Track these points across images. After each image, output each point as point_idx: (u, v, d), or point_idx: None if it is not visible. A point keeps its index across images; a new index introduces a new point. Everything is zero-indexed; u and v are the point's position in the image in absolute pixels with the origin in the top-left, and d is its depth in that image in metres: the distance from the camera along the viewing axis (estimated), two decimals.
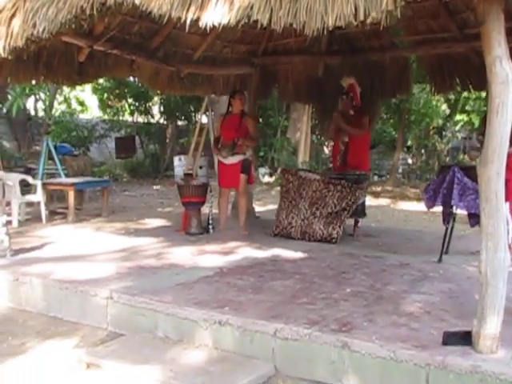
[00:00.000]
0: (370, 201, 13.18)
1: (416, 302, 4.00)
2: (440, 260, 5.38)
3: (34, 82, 8.07)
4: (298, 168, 7.66)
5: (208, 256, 5.59)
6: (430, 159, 21.35)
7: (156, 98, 21.28)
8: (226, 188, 7.16)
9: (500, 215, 3.00)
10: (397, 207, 12.53)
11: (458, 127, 18.61)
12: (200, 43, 7.45)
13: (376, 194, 14.80)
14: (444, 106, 16.52)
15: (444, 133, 21.66)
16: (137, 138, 22.40)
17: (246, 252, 5.81)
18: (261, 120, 17.04)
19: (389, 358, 3.07)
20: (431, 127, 17.85)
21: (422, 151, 21.61)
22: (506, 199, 5.57)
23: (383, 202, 13.30)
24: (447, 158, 21.68)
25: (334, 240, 6.35)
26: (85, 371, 3.46)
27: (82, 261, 5.29)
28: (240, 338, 3.54)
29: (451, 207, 5.33)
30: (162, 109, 21.43)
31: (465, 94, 14.35)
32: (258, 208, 10.95)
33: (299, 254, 5.69)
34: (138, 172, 20.09)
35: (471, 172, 5.31)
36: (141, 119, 22.81)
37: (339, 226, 6.39)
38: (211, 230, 7.00)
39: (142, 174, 19.88)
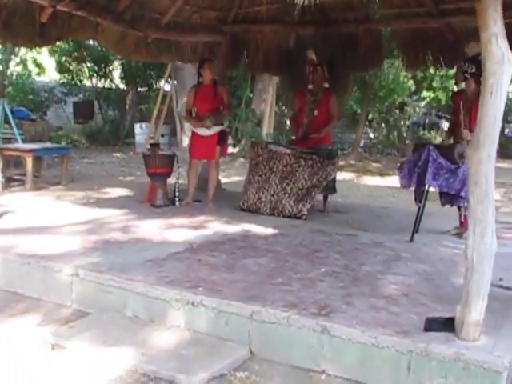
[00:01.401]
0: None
1: (392, 284, 3.93)
2: (412, 239, 5.34)
3: None
4: (267, 141, 7.44)
5: (176, 230, 5.41)
6: (391, 134, 21.48)
7: (116, 63, 20.69)
8: (198, 160, 6.95)
9: (489, 200, 2.91)
10: (361, 182, 12.55)
11: (423, 103, 18.63)
12: (169, 8, 7.14)
13: (339, 168, 14.70)
14: (410, 82, 16.49)
15: (405, 108, 21.77)
16: (96, 103, 21.85)
17: (216, 227, 5.66)
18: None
19: (370, 344, 2.98)
20: (397, 103, 17.85)
21: (383, 126, 21.72)
22: None
23: (347, 176, 13.28)
24: (408, 134, 21.93)
25: (303, 216, 6.24)
26: (50, 352, 3.27)
27: (44, 233, 5.04)
28: (214, 320, 3.40)
29: (424, 186, 5.27)
30: (122, 74, 20.85)
31: (432, 70, 14.39)
32: (222, 180, 10.79)
33: (270, 230, 5.56)
34: (97, 138, 19.55)
35: (446, 151, 5.28)
36: (100, 84, 22.21)
37: (309, 203, 6.28)
38: (177, 203, 6.80)
39: (101, 141, 19.35)
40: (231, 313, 3.35)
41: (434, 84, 16.09)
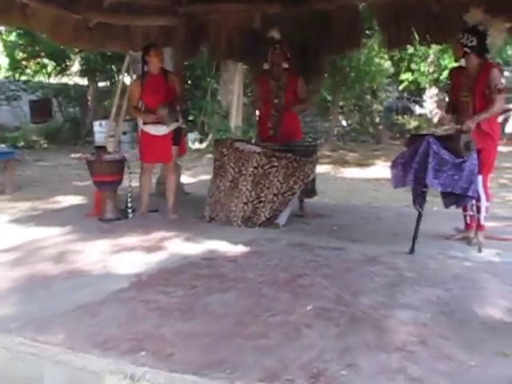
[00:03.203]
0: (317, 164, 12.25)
1: (403, 325, 2.97)
2: (412, 251, 4.41)
3: None
4: (233, 138, 6.42)
5: (124, 255, 4.38)
6: (364, 120, 20.68)
7: (74, 57, 19.49)
8: (151, 163, 5.93)
9: None
10: (338, 175, 11.65)
11: (401, 87, 17.76)
12: None
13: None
14: (387, 64, 15.57)
15: (378, 93, 20.98)
16: (55, 100, 20.65)
17: (174, 247, 4.65)
18: (189, 81, 15.73)
19: None
20: (372, 87, 16.96)
21: (355, 112, 20.91)
22: (480, 171, 4.70)
23: (323, 169, 12.32)
24: (381, 119, 21.15)
25: (280, 225, 5.30)
26: None
27: None
28: None
29: (425, 186, 4.34)
30: (81, 68, 19.63)
31: (410, 51, 13.52)
32: (188, 179, 9.79)
33: (241, 248, 4.57)
34: (57, 138, 18.45)
35: (448, 142, 4.36)
36: (59, 80, 21.00)
37: (286, 210, 5.33)
38: (130, 215, 5.78)
39: (61, 140, 18.25)
40: None
41: (413, 66, 15.20)
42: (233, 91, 13.96)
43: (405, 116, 21.26)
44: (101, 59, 17.78)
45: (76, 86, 20.86)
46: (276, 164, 5.36)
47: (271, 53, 5.87)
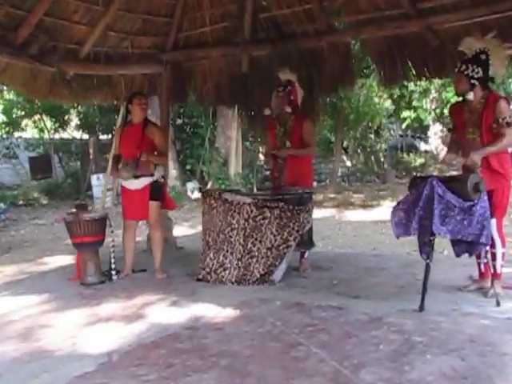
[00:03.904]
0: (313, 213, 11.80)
1: None
2: (422, 308, 3.91)
3: None
4: (222, 189, 6.02)
5: (99, 327, 3.91)
6: (369, 160, 20.32)
7: (72, 112, 19.40)
8: (132, 220, 5.51)
9: None
10: (343, 218, 11.17)
11: (404, 124, 17.37)
12: (87, 35, 5.79)
13: (318, 204, 13.42)
14: (387, 103, 15.23)
15: (381, 132, 20.66)
16: (55, 156, 20.49)
17: (156, 313, 4.18)
18: (187, 129, 15.48)
19: None
20: (373, 127, 16.61)
21: (359, 152, 20.57)
22: (493, 214, 4.23)
23: (327, 212, 11.94)
24: (386, 158, 20.78)
25: (275, 282, 4.83)
26: None
27: None
28: None
29: (432, 234, 3.87)
30: (80, 123, 19.51)
31: (411, 87, 13.18)
32: (186, 231, 9.36)
33: (230, 312, 4.10)
34: (57, 194, 18.13)
35: (454, 184, 3.92)
36: (58, 135, 20.87)
37: (282, 265, 4.87)
38: (114, 277, 5.33)
39: (62, 196, 17.96)
40: None
41: (415, 103, 14.83)
42: (231, 137, 13.65)
43: (410, 154, 20.89)
44: (99, 112, 17.62)
45: (75, 140, 20.69)
46: (268, 215, 4.93)
47: (274, 96, 5.52)
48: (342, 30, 6.37)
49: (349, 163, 20.53)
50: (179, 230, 9.28)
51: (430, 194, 3.85)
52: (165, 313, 4.19)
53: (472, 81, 4.16)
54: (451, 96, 14.13)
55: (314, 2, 6.05)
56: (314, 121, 5.62)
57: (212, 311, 4.14)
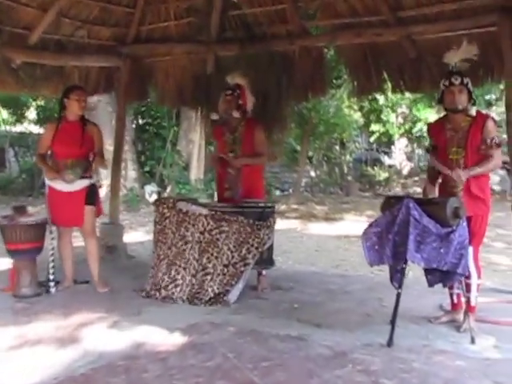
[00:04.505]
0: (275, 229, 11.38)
1: None
2: (390, 343, 3.52)
3: None
4: (177, 197, 5.55)
5: (25, 351, 3.40)
6: (333, 171, 20.13)
7: (30, 104, 18.67)
8: (65, 227, 4.97)
9: None
10: (305, 231, 10.80)
11: (372, 138, 17.15)
12: (38, 20, 5.27)
13: (281, 214, 13.03)
14: (357, 115, 14.93)
15: (347, 144, 20.47)
16: (10, 150, 19.67)
17: (93, 336, 3.69)
18: (149, 129, 14.94)
19: None
20: (344, 139, 16.35)
21: (324, 162, 20.35)
22: (470, 242, 3.87)
23: (289, 223, 11.56)
24: (350, 170, 20.59)
25: (230, 303, 4.39)
26: None
27: None
28: None
29: (405, 262, 3.49)
30: (38, 117, 18.76)
31: (382, 101, 12.91)
32: (141, 237, 8.82)
33: (176, 339, 3.63)
34: (10, 189, 17.33)
35: (432, 207, 3.55)
36: (15, 128, 20.09)
37: (238, 285, 4.43)
38: (52, 289, 4.80)
39: (15, 192, 17.16)
40: None
41: (384, 117, 14.58)
42: (193, 141, 13.16)
43: (374, 167, 20.76)
44: (58, 107, 16.93)
45: (33, 134, 19.91)
46: (226, 229, 4.50)
47: (221, 100, 5.08)
48: (316, 34, 6.00)
49: (313, 173, 20.27)
50: (133, 236, 8.76)
51: (405, 218, 3.47)
52: (103, 336, 3.70)
53: (473, 96, 3.83)
54: (422, 114, 13.95)
55: (288, 3, 5.68)
56: (264, 128, 5.19)
57: (156, 337, 3.67)
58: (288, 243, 9.02)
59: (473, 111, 3.86)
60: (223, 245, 4.47)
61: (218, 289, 4.44)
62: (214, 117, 5.14)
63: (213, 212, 4.56)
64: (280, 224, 11.29)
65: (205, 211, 4.58)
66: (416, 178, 19.38)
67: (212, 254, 4.49)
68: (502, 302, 4.61)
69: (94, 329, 3.86)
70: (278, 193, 17.92)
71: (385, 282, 3.97)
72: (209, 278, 4.46)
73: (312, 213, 13.28)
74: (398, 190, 18.19)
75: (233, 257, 4.45)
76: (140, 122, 15.66)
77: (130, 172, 13.11)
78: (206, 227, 4.51)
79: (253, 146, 4.98)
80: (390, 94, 7.62)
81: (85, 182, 4.79)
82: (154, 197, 13.11)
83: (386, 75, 5.70)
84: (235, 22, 6.02)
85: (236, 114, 4.91)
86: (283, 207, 14.20)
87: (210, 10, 5.89)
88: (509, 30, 4.66)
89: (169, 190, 12.97)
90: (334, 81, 12.07)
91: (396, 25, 5.31)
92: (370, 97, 11.83)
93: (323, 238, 9.85)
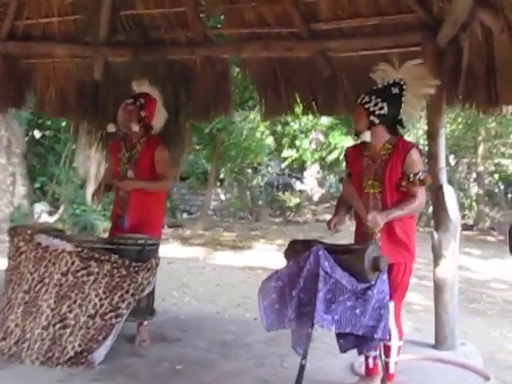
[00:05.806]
0: (177, 251, 10.56)
1: None
2: None
3: None
4: (37, 227, 4.60)
5: None
6: (243, 195, 19.61)
7: None
8: None
9: None
10: (209, 261, 10.05)
11: (284, 164, 16.54)
12: None
13: (184, 240, 12.21)
14: (269, 139, 14.27)
15: (259, 167, 20.04)
16: None
17: None
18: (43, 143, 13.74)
19: None
20: (255, 163, 15.73)
21: (235, 185, 19.81)
22: (391, 296, 3.18)
23: (193, 251, 10.79)
24: (261, 195, 20.12)
25: (95, 364, 3.50)
26: None
27: None
28: None
29: (311, 326, 2.76)
30: None
31: (295, 125, 12.35)
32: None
33: None
34: None
35: (346, 257, 2.86)
36: None
37: (106, 340, 3.55)
38: None
39: None
40: None
41: (298, 142, 14.01)
42: (91, 157, 12.08)
43: (285, 192, 20.38)
44: None
45: None
46: (95, 270, 3.61)
47: (121, 110, 4.22)
48: (221, 44, 5.29)
49: (223, 196, 19.59)
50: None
51: (313, 270, 2.74)
52: None
53: (371, 117, 3.14)
54: (338, 141, 13.54)
55: (189, 5, 4.94)
56: (168, 148, 4.37)
57: None
58: (187, 275, 8.23)
59: (366, 137, 3.21)
60: (90, 290, 3.58)
61: (79, 346, 3.52)
62: (111, 129, 4.27)
63: (79, 249, 3.65)
64: (182, 251, 10.58)
65: (69, 247, 3.66)
66: (327, 205, 19.13)
67: (75, 302, 3.57)
68: (425, 360, 3.99)
69: None
70: (185, 215, 17.12)
71: (288, 333, 3.24)
72: (68, 331, 3.53)
73: (218, 240, 12.56)
74: (308, 217, 17.80)
75: (102, 305, 3.56)
76: (37, 134, 14.39)
77: (19, 188, 11.88)
78: (71, 267, 3.60)
79: (151, 167, 4.14)
80: (303, 117, 7.01)
81: None
82: (45, 217, 11.91)
83: (297, 95, 5.09)
84: (128, 24, 5.21)
85: (135, 128, 4.07)
86: (188, 232, 13.41)
87: (99, 6, 5.05)
88: (431, 51, 4.17)
89: (61, 209, 11.81)
90: (248, 102, 11.50)
91: (309, 39, 4.76)
92: (282, 120, 11.32)
93: (227, 269, 9.13)
